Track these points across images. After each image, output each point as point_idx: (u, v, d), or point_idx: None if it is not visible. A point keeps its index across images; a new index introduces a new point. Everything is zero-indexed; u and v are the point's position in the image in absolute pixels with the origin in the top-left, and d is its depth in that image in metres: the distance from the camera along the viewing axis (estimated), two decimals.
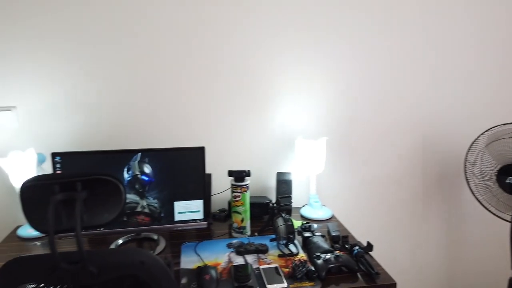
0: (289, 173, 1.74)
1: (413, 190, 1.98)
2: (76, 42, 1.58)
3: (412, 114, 1.90)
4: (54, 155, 1.32)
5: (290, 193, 1.71)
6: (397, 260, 2.05)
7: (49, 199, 0.89)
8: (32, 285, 1.10)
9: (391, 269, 2.02)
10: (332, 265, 1.22)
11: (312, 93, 1.79)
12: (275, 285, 1.16)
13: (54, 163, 1.32)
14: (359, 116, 1.85)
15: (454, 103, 1.92)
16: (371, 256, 1.33)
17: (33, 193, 0.90)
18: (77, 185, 0.89)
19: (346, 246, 1.38)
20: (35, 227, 0.91)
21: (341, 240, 1.43)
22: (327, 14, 1.72)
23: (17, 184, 1.48)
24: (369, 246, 1.33)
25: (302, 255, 1.35)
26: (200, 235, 1.54)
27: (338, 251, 1.29)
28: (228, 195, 1.77)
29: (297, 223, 1.53)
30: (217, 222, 1.68)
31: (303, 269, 1.21)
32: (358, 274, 1.23)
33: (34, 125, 1.61)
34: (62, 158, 1.33)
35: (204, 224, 1.48)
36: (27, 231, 1.54)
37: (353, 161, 1.89)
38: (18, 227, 1.63)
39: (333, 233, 1.46)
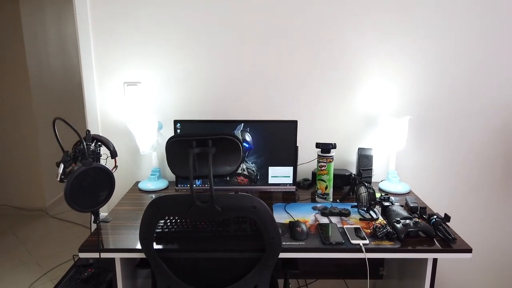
0: (370, 148, 1.88)
1: (494, 173, 2.00)
2: (191, 28, 1.85)
3: (500, 96, 1.91)
4: (175, 122, 1.61)
5: (371, 167, 1.85)
6: (473, 238, 2.10)
7: (186, 152, 1.15)
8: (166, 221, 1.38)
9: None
10: (411, 229, 1.36)
11: (397, 73, 1.89)
12: (358, 241, 1.34)
13: (175, 128, 1.61)
14: (445, 97, 1.91)
15: None
16: (448, 226, 1.44)
17: (176, 147, 1.16)
18: (208, 142, 1.14)
19: (424, 216, 1.50)
20: (175, 172, 1.18)
21: (419, 210, 1.55)
22: None
23: (141, 146, 1.81)
24: (447, 217, 1.44)
25: (381, 220, 1.51)
26: (286, 198, 1.76)
27: (416, 218, 1.42)
28: (311, 166, 1.97)
29: (376, 195, 1.67)
30: (301, 189, 1.88)
31: (384, 230, 1.37)
32: (435, 240, 1.36)
33: (155, 97, 1.93)
34: (181, 124, 1.62)
35: (293, 188, 1.69)
36: (146, 185, 1.87)
37: (435, 141, 1.97)
38: (137, 182, 1.98)
39: (412, 204, 1.58)
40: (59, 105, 3.61)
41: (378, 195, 1.70)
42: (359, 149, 1.89)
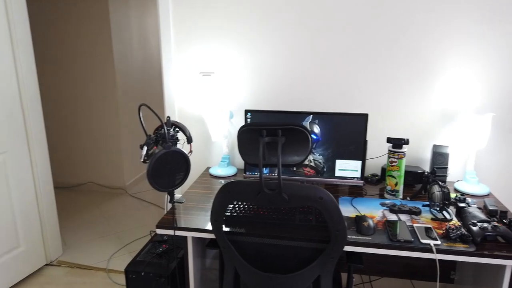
0: (447, 146, 1.78)
1: None
2: (265, 20, 1.89)
3: None
4: (246, 111, 1.67)
5: (447, 166, 1.75)
6: None
7: (257, 140, 1.19)
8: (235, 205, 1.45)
9: None
10: (488, 233, 1.28)
11: (481, 67, 1.76)
12: (429, 241, 1.29)
13: (245, 118, 1.67)
14: None
15: None
16: None
17: (247, 135, 1.21)
18: (278, 131, 1.17)
19: (504, 221, 1.40)
20: (245, 159, 1.24)
21: (499, 214, 1.44)
22: None
23: (213, 134, 1.90)
24: None
25: (455, 221, 1.43)
26: (353, 192, 1.74)
27: (495, 222, 1.33)
28: (380, 161, 1.92)
29: (450, 195, 1.59)
30: (369, 184, 1.85)
31: (458, 232, 1.30)
32: None
33: (227, 87, 2.01)
34: (251, 114, 1.67)
35: (360, 183, 1.67)
36: (216, 171, 1.97)
37: None
38: (208, 167, 2.09)
39: (490, 207, 1.48)
40: (140, 92, 3.90)
41: (453, 195, 1.61)
42: (434, 146, 1.80)
